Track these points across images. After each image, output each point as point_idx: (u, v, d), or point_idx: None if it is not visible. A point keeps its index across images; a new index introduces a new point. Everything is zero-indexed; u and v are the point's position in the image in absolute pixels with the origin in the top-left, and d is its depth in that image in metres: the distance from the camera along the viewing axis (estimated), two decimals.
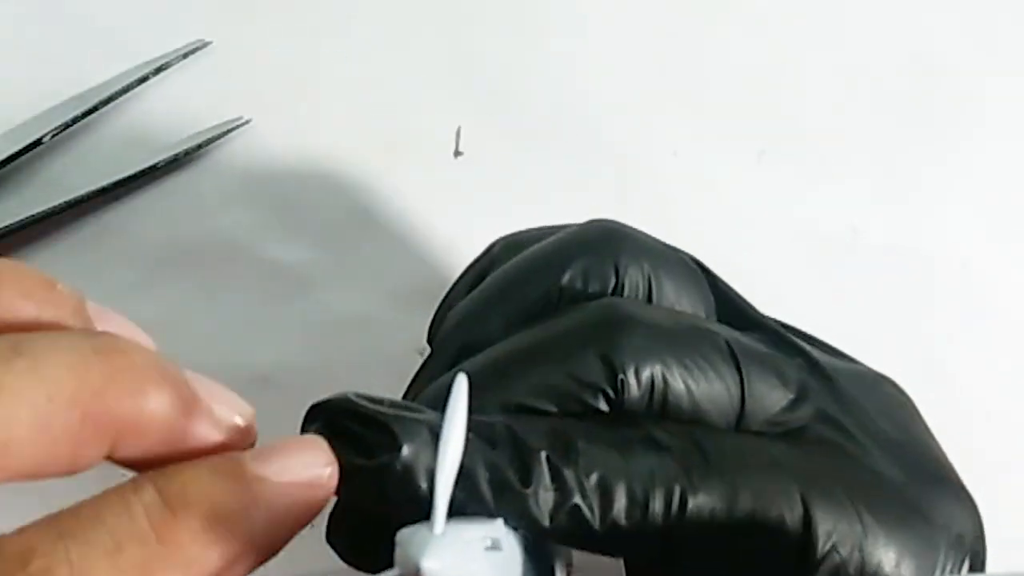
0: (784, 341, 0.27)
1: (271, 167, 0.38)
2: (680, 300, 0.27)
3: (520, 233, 0.31)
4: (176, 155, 0.37)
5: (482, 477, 0.21)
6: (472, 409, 0.20)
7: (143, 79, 0.37)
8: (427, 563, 0.19)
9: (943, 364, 0.37)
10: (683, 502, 0.23)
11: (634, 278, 0.27)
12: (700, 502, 0.23)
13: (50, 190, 0.37)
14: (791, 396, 0.26)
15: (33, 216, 0.36)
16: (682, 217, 0.39)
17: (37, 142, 0.36)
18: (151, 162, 0.37)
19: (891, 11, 0.40)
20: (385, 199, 0.38)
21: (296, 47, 0.38)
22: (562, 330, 0.25)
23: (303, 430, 0.21)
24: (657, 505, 0.23)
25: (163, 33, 0.38)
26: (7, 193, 0.36)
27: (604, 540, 0.23)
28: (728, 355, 0.25)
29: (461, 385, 0.20)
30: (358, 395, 0.21)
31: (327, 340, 0.37)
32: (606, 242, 0.27)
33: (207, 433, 0.19)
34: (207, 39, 0.38)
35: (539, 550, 0.24)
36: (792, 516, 0.24)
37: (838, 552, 0.24)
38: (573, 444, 0.22)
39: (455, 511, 0.20)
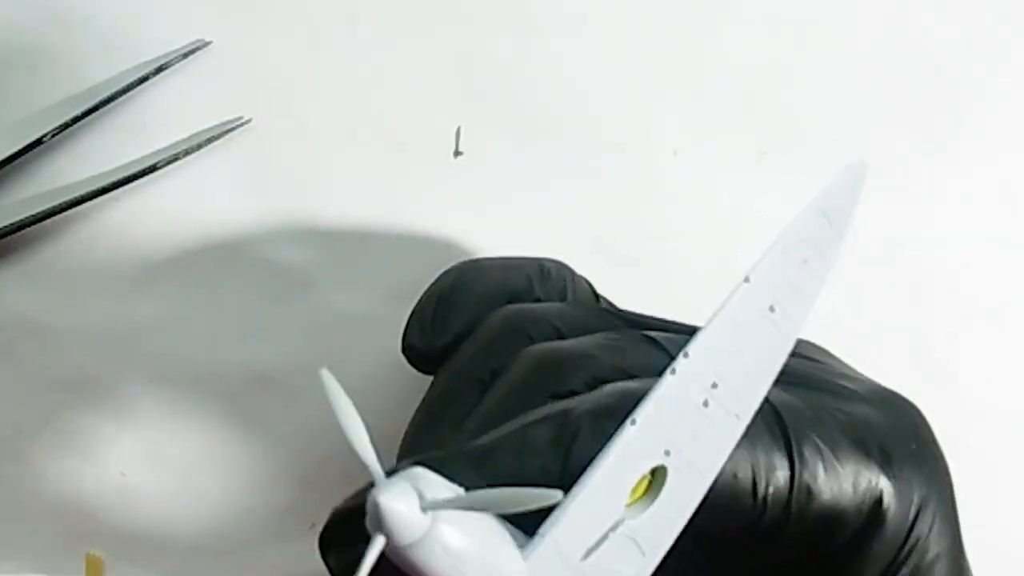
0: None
1: (271, 167, 0.38)
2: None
3: (481, 260, 0.33)
4: (176, 155, 0.37)
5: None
6: None
7: (143, 79, 0.37)
8: (382, 497, 0.20)
9: (943, 364, 0.37)
10: None
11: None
12: None
13: (50, 190, 0.37)
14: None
15: (33, 216, 0.36)
16: (682, 217, 0.39)
17: (37, 142, 0.36)
18: (151, 162, 0.37)
19: (891, 11, 0.40)
20: (385, 199, 0.38)
21: (296, 47, 0.38)
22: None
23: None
24: None
25: (163, 33, 0.38)
26: (7, 193, 0.37)
27: None
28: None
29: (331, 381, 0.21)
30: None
31: (327, 340, 0.37)
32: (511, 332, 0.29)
33: None
34: (207, 39, 0.38)
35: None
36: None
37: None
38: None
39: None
